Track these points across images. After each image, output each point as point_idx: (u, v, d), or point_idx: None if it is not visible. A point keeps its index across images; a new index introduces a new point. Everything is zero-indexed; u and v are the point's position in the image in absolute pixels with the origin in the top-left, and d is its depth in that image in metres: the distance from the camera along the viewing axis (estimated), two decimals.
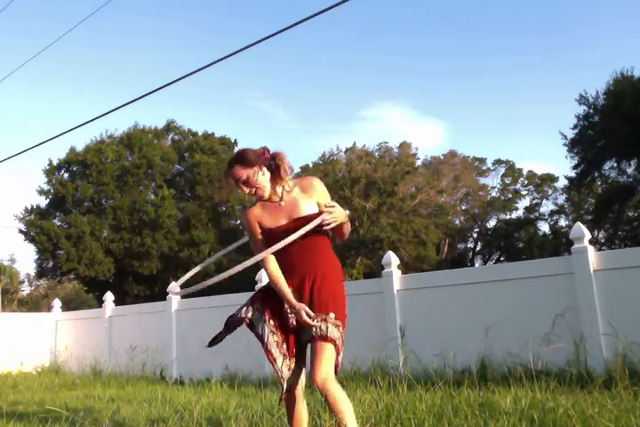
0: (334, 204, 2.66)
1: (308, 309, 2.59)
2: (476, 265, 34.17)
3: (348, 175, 27.58)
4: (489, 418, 3.40)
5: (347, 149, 30.69)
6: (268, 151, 2.78)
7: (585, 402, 3.55)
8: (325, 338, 2.56)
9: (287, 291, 2.66)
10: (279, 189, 2.77)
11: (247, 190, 2.73)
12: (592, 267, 5.95)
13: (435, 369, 5.99)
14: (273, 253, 2.69)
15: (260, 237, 2.82)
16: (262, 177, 2.73)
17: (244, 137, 55.80)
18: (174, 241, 24.88)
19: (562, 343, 5.40)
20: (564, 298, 6.01)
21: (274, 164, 2.76)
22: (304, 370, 2.73)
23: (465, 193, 36.02)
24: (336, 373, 2.58)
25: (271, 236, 2.74)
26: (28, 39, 53.33)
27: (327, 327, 2.57)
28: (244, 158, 2.72)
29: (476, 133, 55.72)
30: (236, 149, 2.62)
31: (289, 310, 2.67)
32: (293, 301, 2.61)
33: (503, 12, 51.52)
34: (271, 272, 2.72)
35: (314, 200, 2.74)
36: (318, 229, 2.66)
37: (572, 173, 24.88)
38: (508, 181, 37.65)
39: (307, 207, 2.72)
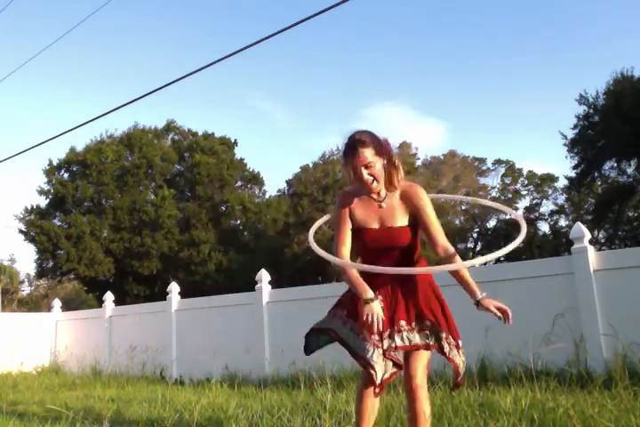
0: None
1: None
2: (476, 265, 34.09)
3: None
4: (489, 418, 3.40)
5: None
6: (390, 145, 2.64)
7: (585, 402, 3.54)
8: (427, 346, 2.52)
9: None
10: (383, 192, 2.62)
11: (366, 175, 2.52)
12: (592, 267, 5.95)
13: (435, 369, 5.98)
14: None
15: (346, 226, 2.63)
16: (381, 169, 2.56)
17: (244, 137, 55.96)
18: (174, 241, 24.88)
19: (562, 343, 5.39)
20: (564, 298, 6.01)
21: (392, 163, 2.61)
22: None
23: (465, 193, 35.97)
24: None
25: (359, 235, 2.62)
26: (27, 39, 53.35)
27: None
28: (375, 144, 2.56)
29: (476, 133, 55.74)
30: (359, 130, 2.57)
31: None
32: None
33: (503, 12, 51.53)
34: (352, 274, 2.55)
35: (410, 211, 2.60)
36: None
37: (572, 173, 24.90)
38: (508, 181, 37.64)
39: (402, 218, 2.59)
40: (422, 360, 2.54)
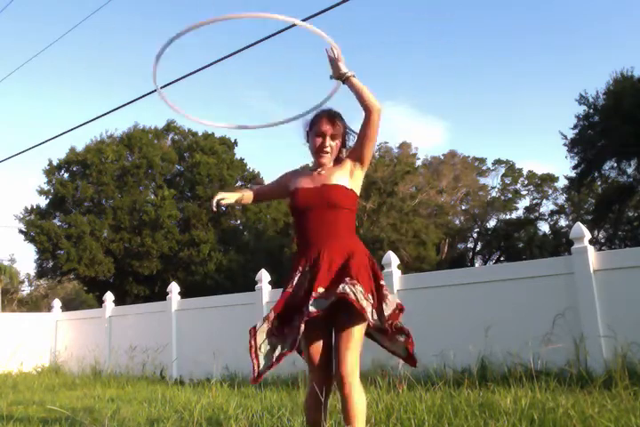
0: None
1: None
2: (476, 265, 34.13)
3: None
4: (489, 418, 3.40)
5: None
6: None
7: (585, 402, 3.54)
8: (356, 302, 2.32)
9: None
10: (328, 166, 2.71)
11: (323, 144, 2.65)
12: (592, 267, 5.95)
13: (435, 369, 5.99)
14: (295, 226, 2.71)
15: (271, 183, 2.91)
16: (336, 147, 2.71)
17: (244, 137, 55.87)
18: (174, 241, 24.86)
19: (562, 343, 5.39)
20: (564, 298, 6.01)
21: (344, 145, 2.75)
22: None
23: (465, 193, 36.00)
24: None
25: (292, 196, 2.67)
26: (28, 39, 53.36)
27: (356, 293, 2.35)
28: (345, 124, 2.72)
29: (476, 133, 55.77)
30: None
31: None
32: None
33: (504, 12, 51.54)
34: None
35: (348, 172, 2.67)
36: (345, 205, 2.58)
37: (572, 173, 24.90)
38: (508, 181, 37.66)
39: (340, 178, 2.64)
40: (350, 346, 2.43)
